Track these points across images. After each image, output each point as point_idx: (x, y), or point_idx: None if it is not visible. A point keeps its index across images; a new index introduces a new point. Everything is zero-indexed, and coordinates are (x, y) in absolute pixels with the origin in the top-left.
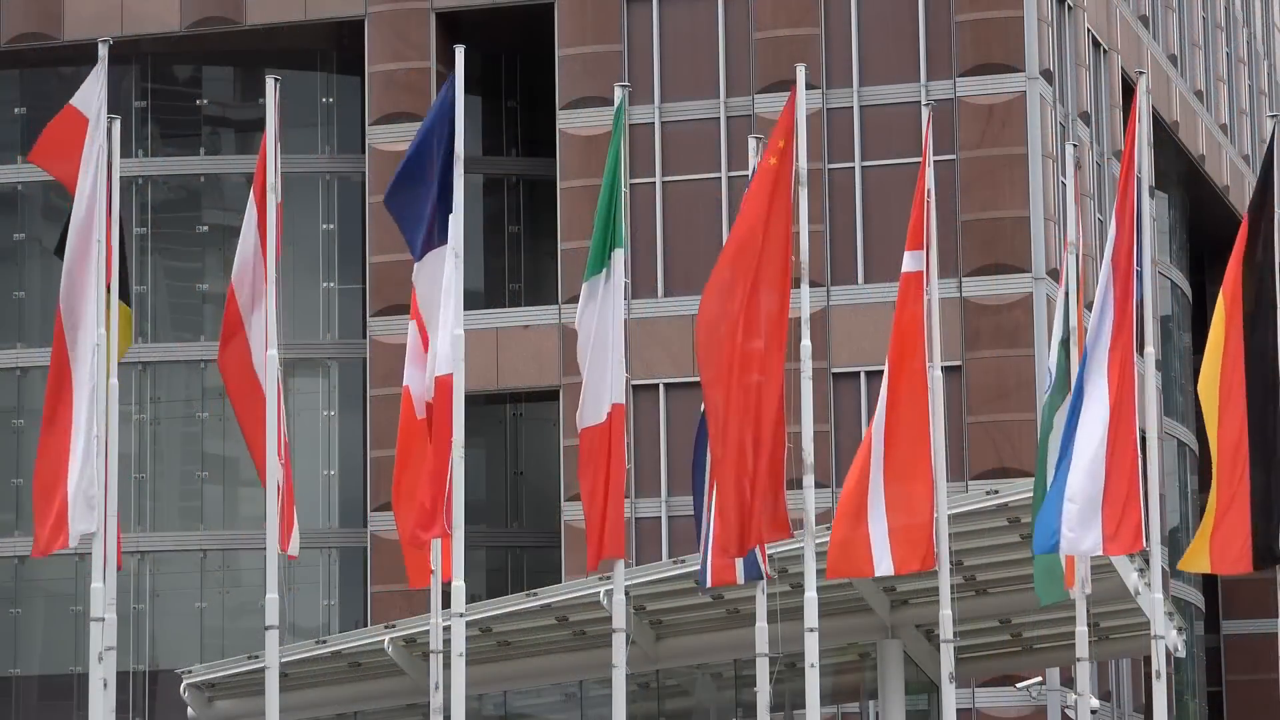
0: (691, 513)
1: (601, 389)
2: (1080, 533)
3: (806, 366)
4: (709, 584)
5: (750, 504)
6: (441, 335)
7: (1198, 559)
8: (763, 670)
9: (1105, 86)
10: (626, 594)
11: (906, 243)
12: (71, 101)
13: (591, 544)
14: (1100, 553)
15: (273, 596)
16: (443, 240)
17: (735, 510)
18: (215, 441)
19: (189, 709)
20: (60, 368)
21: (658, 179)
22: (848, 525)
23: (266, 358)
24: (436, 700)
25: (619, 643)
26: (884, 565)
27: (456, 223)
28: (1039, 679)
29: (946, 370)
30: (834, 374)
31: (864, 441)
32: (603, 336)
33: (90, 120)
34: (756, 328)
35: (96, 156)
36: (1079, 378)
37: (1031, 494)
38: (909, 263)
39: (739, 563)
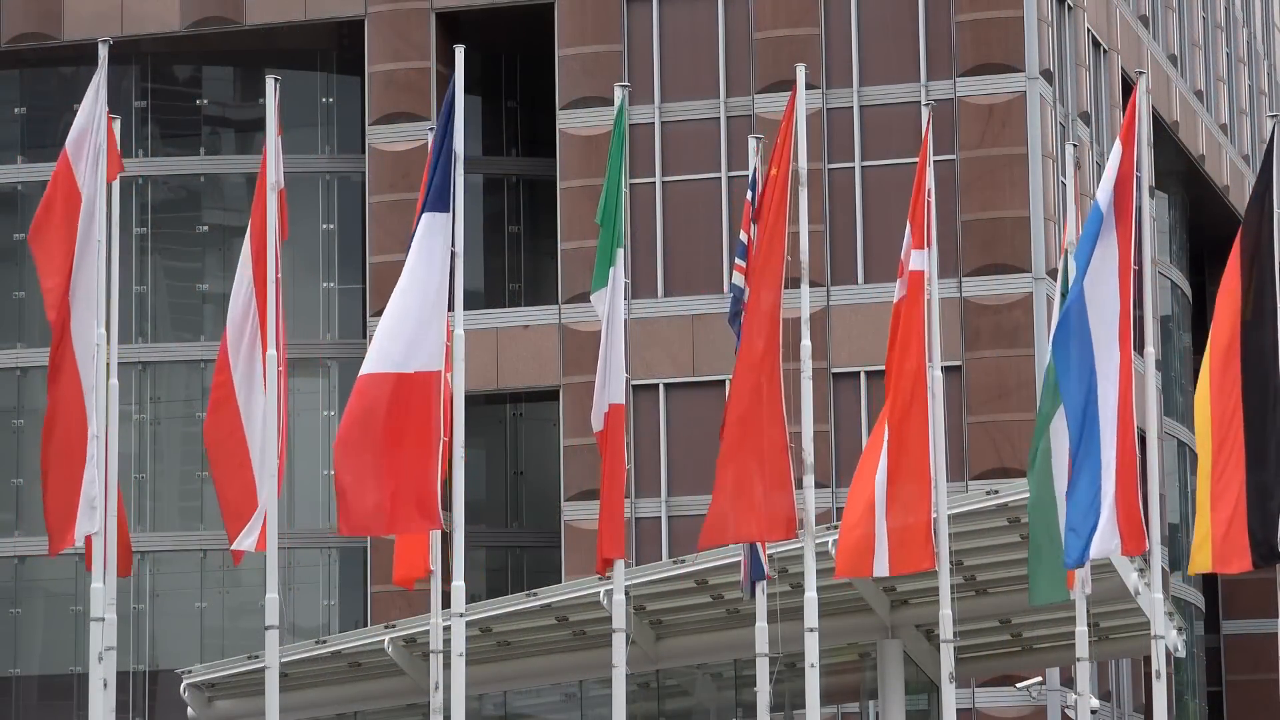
0: (691, 513)
1: (602, 390)
2: (1105, 536)
3: (806, 366)
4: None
5: (748, 502)
6: (430, 330)
7: (1200, 559)
8: (763, 670)
9: (1105, 86)
10: (626, 594)
11: (911, 240)
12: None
13: (600, 546)
14: (1117, 555)
15: (273, 596)
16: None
17: (733, 509)
18: None
19: (189, 709)
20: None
21: (658, 179)
22: (856, 525)
23: (266, 357)
24: (436, 700)
25: (619, 643)
26: (882, 565)
27: (457, 223)
28: (1039, 679)
29: (946, 370)
30: (834, 374)
31: (871, 442)
32: (603, 336)
33: (89, 122)
34: (759, 327)
35: (96, 156)
36: (1090, 379)
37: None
38: (914, 261)
39: (754, 561)
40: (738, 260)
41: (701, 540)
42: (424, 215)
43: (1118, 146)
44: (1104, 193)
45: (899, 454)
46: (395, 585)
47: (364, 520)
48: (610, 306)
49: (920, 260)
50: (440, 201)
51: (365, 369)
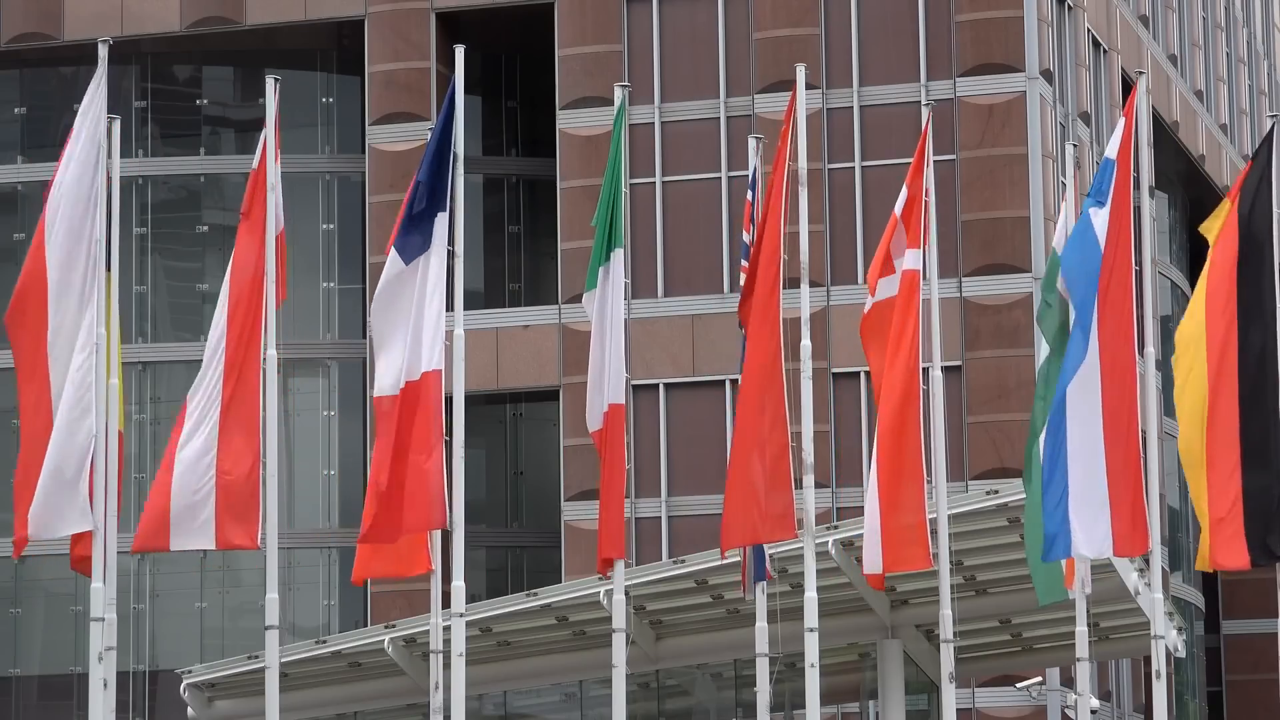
0: (691, 513)
1: (602, 390)
2: (1087, 534)
3: (806, 366)
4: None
5: (751, 503)
6: (428, 333)
7: (1201, 557)
8: (763, 670)
9: (1105, 86)
10: (626, 594)
11: (897, 241)
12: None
13: (601, 546)
14: (1110, 554)
15: (273, 596)
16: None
17: (733, 509)
18: None
19: (189, 709)
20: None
21: (658, 179)
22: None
23: (266, 357)
24: (436, 700)
25: (619, 643)
26: (874, 563)
27: (457, 223)
28: (1039, 679)
29: (946, 370)
30: (834, 374)
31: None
32: (602, 337)
33: (87, 121)
34: (758, 327)
35: (96, 156)
36: (1063, 377)
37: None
38: (908, 261)
39: (755, 562)
40: (743, 262)
41: (725, 544)
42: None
43: (1115, 143)
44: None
45: (893, 455)
46: (354, 583)
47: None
48: (609, 306)
49: (915, 260)
50: (439, 201)
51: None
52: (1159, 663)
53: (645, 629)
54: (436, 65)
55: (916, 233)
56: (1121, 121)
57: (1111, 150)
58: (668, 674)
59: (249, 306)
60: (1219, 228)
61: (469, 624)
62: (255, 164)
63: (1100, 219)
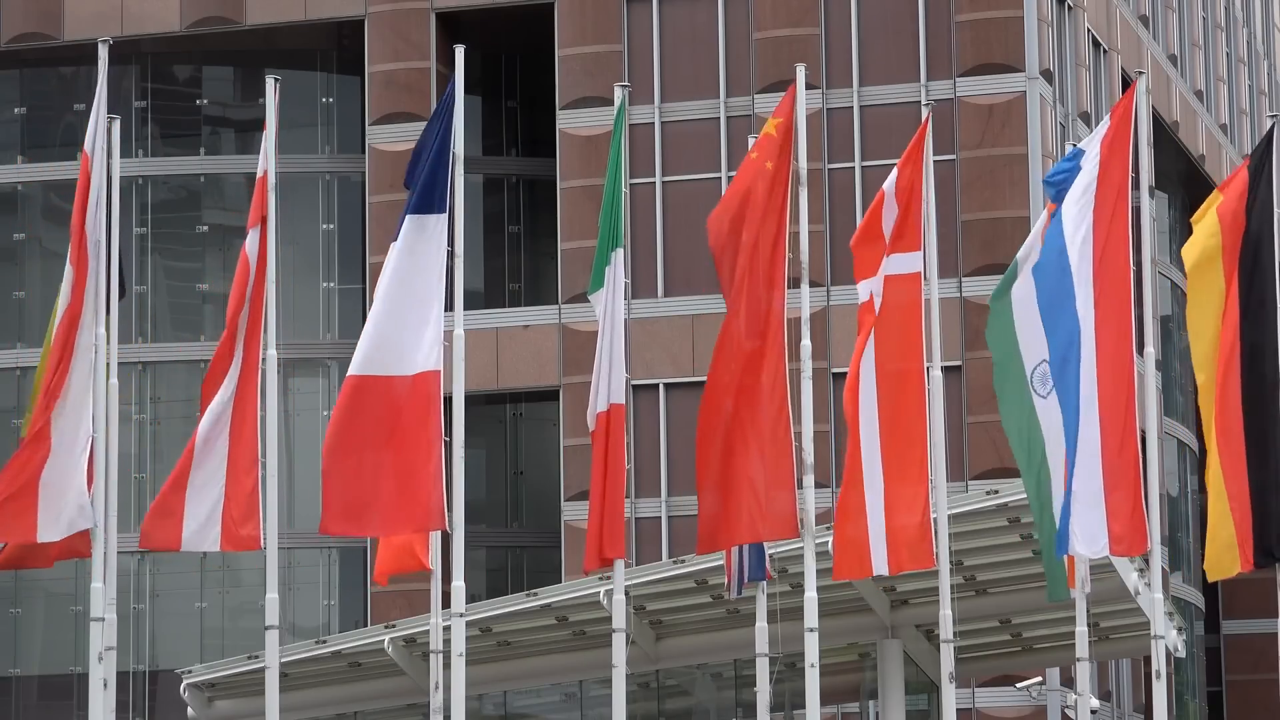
0: (691, 513)
1: (602, 389)
2: (1088, 533)
3: (806, 366)
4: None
5: (748, 502)
6: (428, 330)
7: (1228, 562)
8: (763, 670)
9: (1105, 86)
10: (626, 594)
11: (894, 243)
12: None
13: (591, 544)
14: (1107, 554)
15: (273, 596)
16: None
17: (733, 507)
18: None
19: (189, 709)
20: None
21: (658, 179)
22: (847, 526)
23: (266, 357)
24: (436, 700)
25: (619, 643)
26: (880, 565)
27: (457, 223)
28: (1039, 679)
29: (946, 370)
30: (834, 374)
31: (851, 442)
32: (602, 336)
33: (89, 123)
34: (757, 327)
35: (97, 157)
36: (1075, 375)
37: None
38: (902, 264)
39: (742, 561)
40: None
41: (702, 545)
42: (411, 216)
43: (1096, 148)
44: (1085, 189)
45: (895, 455)
46: (376, 581)
47: (354, 522)
48: (610, 306)
49: (911, 262)
50: (438, 202)
51: (354, 370)
52: (1159, 663)
53: (645, 629)
54: (436, 65)
55: (914, 236)
56: (1106, 119)
57: (1090, 145)
58: (668, 674)
59: (254, 307)
60: (1213, 227)
61: (469, 624)
62: (260, 168)
63: (1069, 217)
